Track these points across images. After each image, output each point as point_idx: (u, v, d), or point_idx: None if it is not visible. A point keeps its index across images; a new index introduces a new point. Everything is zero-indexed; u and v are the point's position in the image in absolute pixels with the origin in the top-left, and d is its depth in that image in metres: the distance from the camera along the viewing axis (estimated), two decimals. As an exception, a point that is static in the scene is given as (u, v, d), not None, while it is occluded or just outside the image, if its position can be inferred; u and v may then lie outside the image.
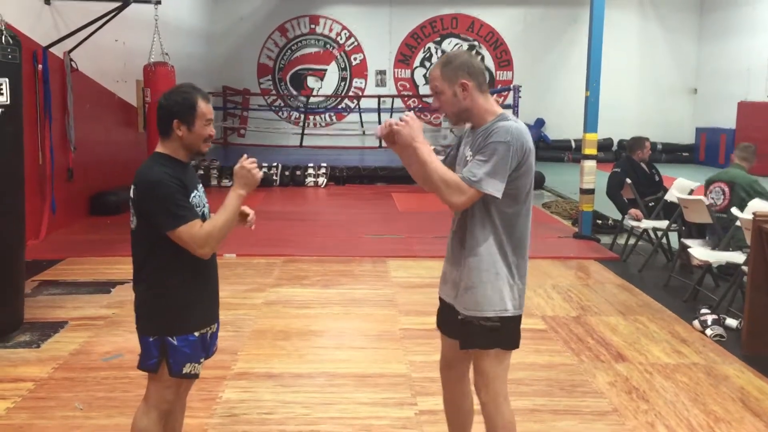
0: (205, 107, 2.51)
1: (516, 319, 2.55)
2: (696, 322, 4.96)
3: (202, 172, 12.13)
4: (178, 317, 2.54)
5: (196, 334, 2.57)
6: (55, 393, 3.81)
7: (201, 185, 2.69)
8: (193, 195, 2.52)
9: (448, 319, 2.68)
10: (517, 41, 17.69)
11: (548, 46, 17.39)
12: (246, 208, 2.80)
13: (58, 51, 7.91)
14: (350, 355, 4.46)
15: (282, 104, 17.59)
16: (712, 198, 5.91)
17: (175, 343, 2.53)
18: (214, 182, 12.13)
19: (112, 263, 6.59)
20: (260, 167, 2.58)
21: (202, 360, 2.62)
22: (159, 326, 2.55)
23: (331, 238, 7.88)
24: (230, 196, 2.53)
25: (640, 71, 17.54)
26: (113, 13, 8.11)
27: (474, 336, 2.55)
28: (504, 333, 2.53)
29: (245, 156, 2.58)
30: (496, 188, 2.38)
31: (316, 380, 4.03)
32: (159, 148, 2.54)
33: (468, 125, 2.62)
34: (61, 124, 7.99)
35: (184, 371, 2.55)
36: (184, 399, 2.81)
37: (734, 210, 5.51)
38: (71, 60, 8.12)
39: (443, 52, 17.86)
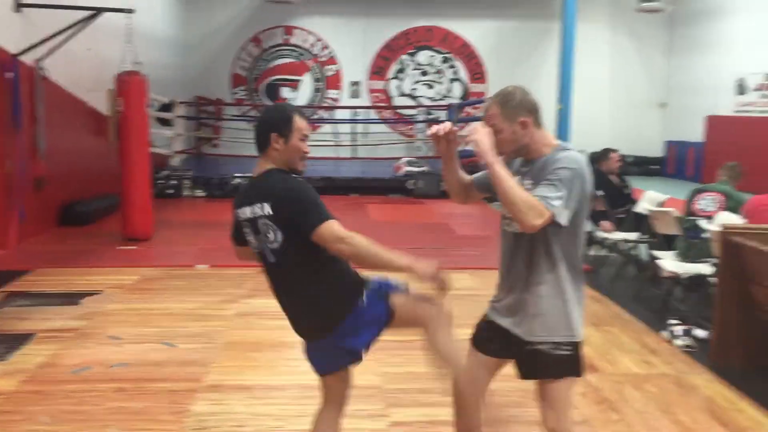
0: (300, 122, 2.58)
1: (582, 345, 2.57)
2: (665, 333, 5.02)
3: (175, 182, 12.04)
4: None
5: None
6: (22, 406, 3.74)
7: None
8: None
9: (495, 342, 2.67)
10: (491, 54, 17.85)
11: (521, 59, 17.57)
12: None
13: (28, 59, 7.80)
14: (323, 366, 4.44)
15: (256, 115, 17.54)
16: (702, 205, 5.98)
17: None
18: (186, 192, 12.04)
19: (82, 274, 6.51)
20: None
21: None
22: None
23: (305, 249, 7.85)
24: (404, 260, 2.53)
25: (612, 85, 17.79)
26: (85, 22, 8.03)
27: (546, 366, 2.54)
28: (576, 360, 2.54)
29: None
30: (567, 217, 2.37)
31: (289, 392, 4.01)
32: (267, 165, 2.58)
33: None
34: (30, 132, 7.87)
35: None
36: None
37: (703, 222, 5.60)
38: (42, 68, 8.02)
39: (418, 64, 17.97)
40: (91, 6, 8.14)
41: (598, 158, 7.33)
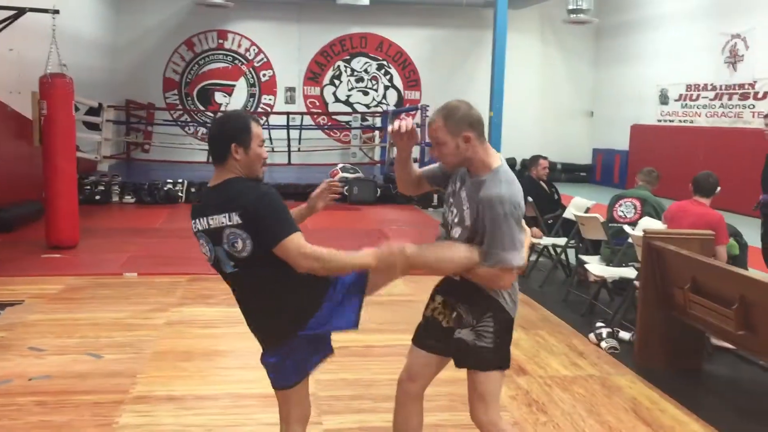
0: (257, 128, 2.53)
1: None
2: (592, 335, 5.17)
3: (103, 188, 11.70)
4: None
5: None
6: (-65, 423, 3.56)
7: None
8: None
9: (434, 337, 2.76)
10: (425, 62, 18.05)
11: (455, 66, 17.83)
12: None
13: (-56, 59, 7.48)
14: (256, 375, 4.35)
15: (188, 119, 17.23)
16: (622, 212, 6.18)
17: None
18: (115, 198, 11.72)
19: (2, 284, 6.25)
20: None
21: None
22: None
23: (238, 256, 7.75)
24: (364, 256, 2.50)
25: (541, 93, 18.23)
26: (7, 22, 7.74)
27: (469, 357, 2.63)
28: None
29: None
30: (521, 257, 2.49)
31: (220, 402, 3.94)
32: (228, 175, 2.50)
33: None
34: (-53, 136, 7.53)
35: None
36: None
37: (626, 227, 5.80)
38: (-41, 69, 7.69)
39: (353, 70, 18.01)
40: (13, 6, 7.85)
41: (528, 164, 7.51)
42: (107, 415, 3.69)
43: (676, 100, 14.57)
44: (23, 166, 9.64)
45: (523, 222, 2.58)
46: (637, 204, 6.12)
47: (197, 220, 2.55)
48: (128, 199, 11.72)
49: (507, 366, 2.67)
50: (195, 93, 17.51)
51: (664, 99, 14.96)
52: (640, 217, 5.97)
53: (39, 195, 8.49)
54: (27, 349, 4.65)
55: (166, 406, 3.85)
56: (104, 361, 4.50)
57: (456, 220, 2.60)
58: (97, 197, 11.48)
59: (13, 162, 9.48)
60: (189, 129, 17.04)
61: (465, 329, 2.62)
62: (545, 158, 7.56)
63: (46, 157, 7.79)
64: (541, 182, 7.47)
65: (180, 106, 17.31)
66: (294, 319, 2.54)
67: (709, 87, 13.49)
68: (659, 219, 5.75)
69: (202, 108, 17.34)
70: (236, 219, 2.41)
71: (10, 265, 6.97)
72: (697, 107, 13.90)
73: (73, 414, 3.70)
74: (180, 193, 11.84)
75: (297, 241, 2.38)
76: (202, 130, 16.75)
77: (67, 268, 6.94)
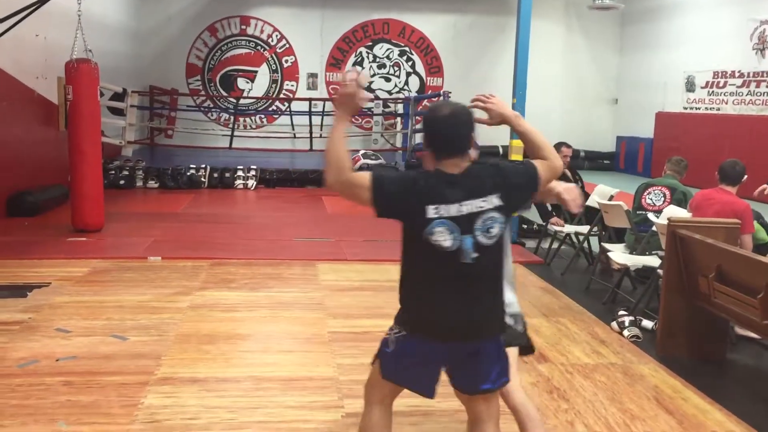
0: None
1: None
2: (614, 324, 5.14)
3: (127, 172, 11.82)
4: None
5: None
6: (-34, 401, 3.64)
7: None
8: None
9: None
10: (448, 48, 17.94)
11: (478, 53, 17.70)
12: None
13: (-28, 44, 7.57)
14: (277, 358, 4.43)
15: (211, 105, 17.31)
16: (651, 200, 6.13)
17: None
18: (139, 183, 11.83)
19: (30, 266, 6.35)
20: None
21: None
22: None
23: (260, 241, 7.80)
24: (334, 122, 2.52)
25: (565, 80, 18.05)
26: (34, 7, 7.81)
27: None
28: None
29: (350, 72, 2.49)
30: None
31: (242, 384, 3.98)
32: (466, 163, 2.45)
33: None
34: (-25, 120, 7.64)
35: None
36: None
37: (651, 215, 5.75)
38: (-13, 54, 7.78)
39: (375, 56, 17.96)
40: (39, -9, 7.91)
41: None
42: (133, 395, 3.75)
43: (702, 88, 14.35)
44: (49, 151, 9.76)
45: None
46: (667, 192, 6.06)
47: (445, 207, 2.36)
48: (152, 184, 11.81)
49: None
50: (218, 79, 17.57)
51: (690, 86, 14.75)
52: (669, 205, 5.92)
53: (65, 179, 8.60)
54: (54, 330, 4.73)
55: (189, 387, 3.90)
56: (129, 342, 4.57)
57: None
58: (122, 182, 11.60)
59: (40, 146, 9.60)
60: (211, 115, 17.12)
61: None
62: (569, 146, 7.49)
63: (72, 142, 7.87)
64: (565, 170, 7.41)
65: (203, 92, 17.38)
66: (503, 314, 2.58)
67: (737, 74, 13.26)
68: (686, 208, 5.69)
69: (224, 94, 17.39)
70: (496, 201, 2.40)
71: (37, 247, 7.08)
72: (724, 95, 13.68)
73: (99, 394, 3.77)
74: (203, 179, 11.91)
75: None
76: (225, 115, 16.82)
77: (92, 252, 7.03)
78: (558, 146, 7.45)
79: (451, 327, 2.41)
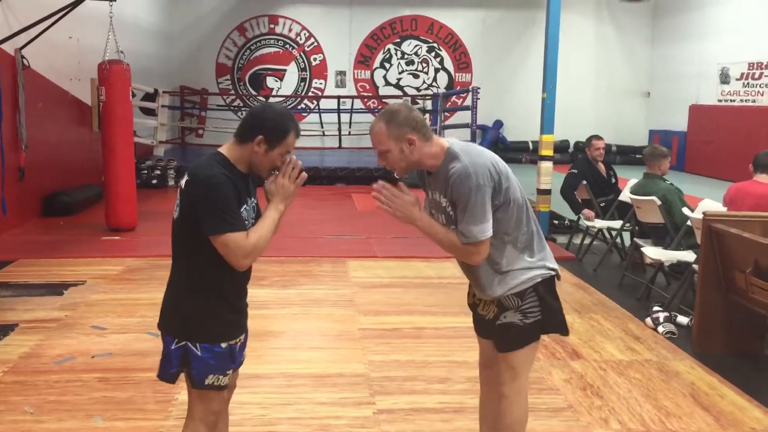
0: (292, 140, 2.43)
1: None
2: (648, 320, 5.07)
3: (159, 172, 11.97)
4: (209, 324, 2.46)
5: (223, 345, 2.47)
6: (5, 397, 3.71)
7: (254, 199, 2.57)
8: (243, 207, 2.43)
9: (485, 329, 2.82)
10: (476, 43, 17.85)
11: (506, 48, 17.58)
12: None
13: (9, 48, 7.71)
14: (309, 355, 4.45)
15: (241, 104, 17.45)
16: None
17: (199, 353, 2.44)
18: (171, 182, 11.97)
19: (65, 265, 6.46)
20: (301, 170, 2.49)
21: (229, 372, 2.52)
22: (186, 330, 2.49)
23: (291, 239, 7.84)
24: (270, 209, 2.49)
25: (596, 74, 17.85)
26: (67, 10, 7.94)
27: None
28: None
29: (287, 162, 2.46)
30: (489, 231, 2.45)
31: (274, 381, 4.01)
32: (224, 150, 2.44)
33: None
34: (12, 122, 7.78)
35: (206, 382, 2.46)
36: (226, 409, 2.73)
37: (686, 210, 5.65)
38: (23, 57, 7.92)
39: (403, 53, 17.93)
40: (72, -6, 8.04)
41: (584, 146, 7.41)
42: (167, 392, 3.78)
43: (737, 79, 14.08)
44: (83, 151, 9.92)
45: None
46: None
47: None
48: (183, 183, 11.94)
49: (562, 331, 2.71)
50: (247, 78, 17.71)
51: (725, 78, 14.47)
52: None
53: (99, 179, 8.73)
54: (90, 327, 4.80)
55: (222, 384, 3.92)
56: (163, 340, 4.61)
57: (446, 223, 2.57)
58: (154, 181, 11.75)
59: (74, 147, 9.76)
60: (241, 114, 17.26)
61: (509, 311, 2.63)
62: (600, 138, 7.37)
63: (105, 143, 7.99)
64: (600, 163, 7.32)
65: (232, 92, 17.54)
66: None
67: (773, 65, 13.00)
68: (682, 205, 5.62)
69: (254, 93, 17.52)
70: (181, 183, 2.48)
71: (72, 246, 7.21)
72: (760, 86, 13.40)
73: (134, 390, 3.82)
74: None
75: (236, 240, 2.41)
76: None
77: (126, 250, 7.13)
78: (588, 139, 7.36)
79: None
